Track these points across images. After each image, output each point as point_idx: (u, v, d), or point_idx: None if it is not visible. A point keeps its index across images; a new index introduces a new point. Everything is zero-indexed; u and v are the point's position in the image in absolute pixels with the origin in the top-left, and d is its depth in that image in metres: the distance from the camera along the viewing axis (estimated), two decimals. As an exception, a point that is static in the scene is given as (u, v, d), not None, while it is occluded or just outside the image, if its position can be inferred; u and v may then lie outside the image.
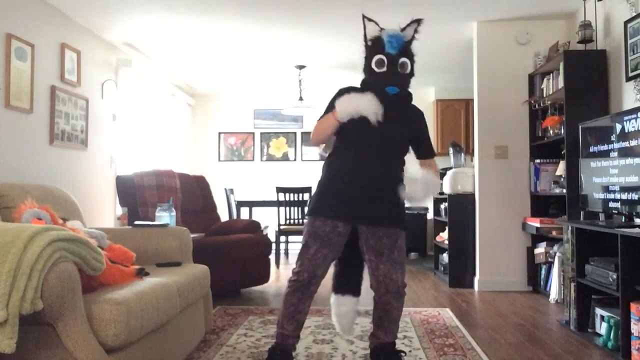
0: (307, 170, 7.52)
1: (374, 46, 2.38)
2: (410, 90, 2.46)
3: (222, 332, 3.21)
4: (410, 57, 2.39)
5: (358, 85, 2.47)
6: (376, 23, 2.41)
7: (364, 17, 2.42)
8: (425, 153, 2.57)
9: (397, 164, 2.45)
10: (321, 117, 2.48)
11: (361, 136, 2.37)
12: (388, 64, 2.32)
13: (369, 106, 2.31)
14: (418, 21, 2.40)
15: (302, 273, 2.38)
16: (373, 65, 2.36)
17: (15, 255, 1.49)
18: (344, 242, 2.43)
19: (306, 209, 2.62)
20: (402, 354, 2.52)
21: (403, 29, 2.39)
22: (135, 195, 4.29)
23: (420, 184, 2.45)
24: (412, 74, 2.41)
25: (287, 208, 6.03)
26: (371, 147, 2.37)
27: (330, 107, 2.44)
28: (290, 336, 2.44)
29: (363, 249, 2.43)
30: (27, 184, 2.82)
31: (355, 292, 2.59)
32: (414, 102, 2.50)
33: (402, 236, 2.43)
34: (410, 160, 2.55)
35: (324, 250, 2.37)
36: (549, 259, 4.27)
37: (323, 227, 2.37)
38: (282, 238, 6.60)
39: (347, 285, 2.59)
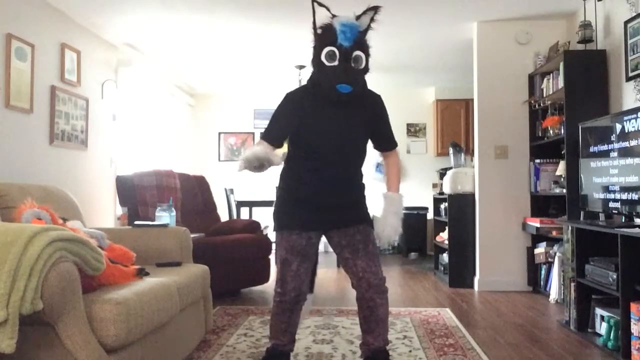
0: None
1: (324, 36, 2.09)
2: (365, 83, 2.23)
3: (222, 332, 3.21)
4: (366, 50, 2.13)
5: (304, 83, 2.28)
6: (327, 9, 2.14)
7: (313, 0, 2.13)
8: (384, 144, 2.38)
9: (357, 163, 2.32)
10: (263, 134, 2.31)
11: (316, 143, 2.21)
12: (340, 58, 2.06)
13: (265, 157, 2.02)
14: (375, 8, 2.12)
15: (289, 292, 2.26)
16: (323, 58, 2.09)
17: (16, 255, 1.49)
18: (317, 251, 2.37)
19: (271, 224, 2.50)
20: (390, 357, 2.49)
21: (358, 17, 2.11)
22: (135, 195, 4.29)
23: (387, 218, 2.27)
24: (366, 69, 2.15)
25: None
26: (328, 152, 2.21)
27: (273, 123, 2.29)
28: (287, 344, 2.40)
29: (337, 250, 2.34)
30: (27, 184, 2.81)
31: (310, 289, 2.55)
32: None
33: (372, 232, 2.34)
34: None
35: (305, 265, 2.28)
36: (549, 259, 4.27)
37: (300, 241, 2.25)
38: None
39: None
